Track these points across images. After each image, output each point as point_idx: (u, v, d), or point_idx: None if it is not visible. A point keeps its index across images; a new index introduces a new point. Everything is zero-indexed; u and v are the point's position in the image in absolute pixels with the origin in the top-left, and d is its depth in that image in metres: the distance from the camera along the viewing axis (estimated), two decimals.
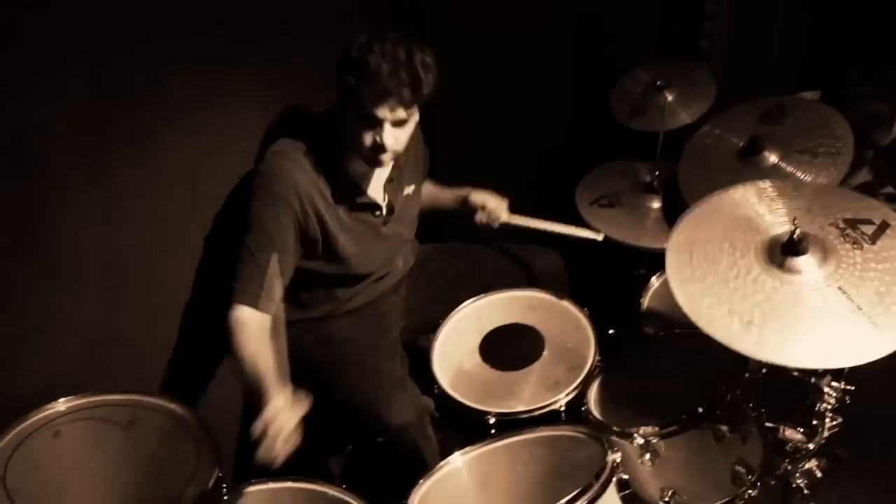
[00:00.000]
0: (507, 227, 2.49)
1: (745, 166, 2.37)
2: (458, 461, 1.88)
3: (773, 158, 2.35)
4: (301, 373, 2.31)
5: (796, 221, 1.77)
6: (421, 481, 1.83)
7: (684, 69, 2.79)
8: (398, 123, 2.06)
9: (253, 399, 2.37)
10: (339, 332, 2.35)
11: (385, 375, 2.24)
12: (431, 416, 2.30)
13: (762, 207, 1.89)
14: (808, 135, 2.34)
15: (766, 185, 1.96)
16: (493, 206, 2.48)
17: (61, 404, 1.94)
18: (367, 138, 2.06)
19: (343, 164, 2.18)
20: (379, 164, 2.14)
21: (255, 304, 2.05)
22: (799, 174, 2.29)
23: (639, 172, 2.85)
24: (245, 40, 2.23)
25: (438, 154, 2.73)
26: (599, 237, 2.52)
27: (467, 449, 1.90)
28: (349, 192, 2.20)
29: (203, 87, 2.15)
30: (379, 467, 2.26)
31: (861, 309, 1.67)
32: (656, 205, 2.74)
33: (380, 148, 2.07)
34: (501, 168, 2.54)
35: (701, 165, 2.45)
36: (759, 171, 2.32)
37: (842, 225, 1.83)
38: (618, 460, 1.70)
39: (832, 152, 2.27)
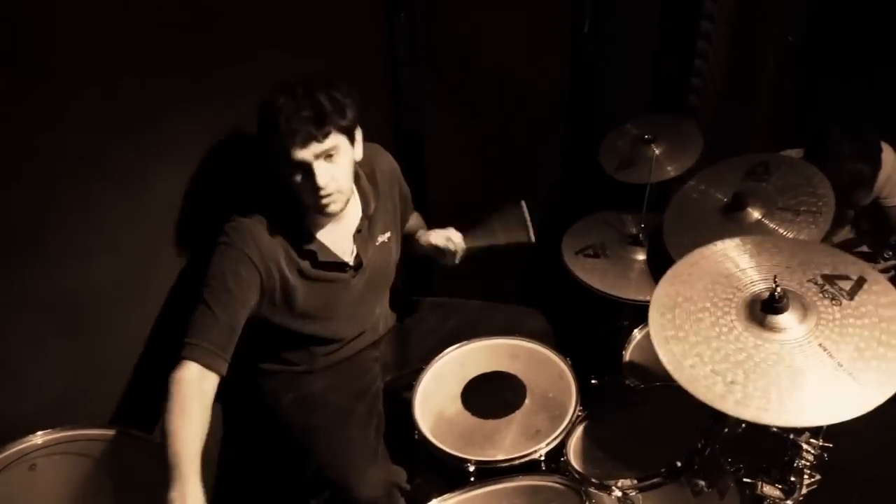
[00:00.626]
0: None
1: (729, 222, 2.40)
2: None
3: (756, 215, 2.38)
4: (275, 433, 2.35)
5: (777, 279, 1.79)
6: None
7: (672, 124, 2.84)
8: (325, 158, 2.04)
9: (230, 429, 2.40)
10: (316, 394, 2.32)
11: (357, 447, 2.23)
12: (402, 489, 2.30)
13: (743, 263, 1.91)
14: (791, 192, 2.37)
15: (745, 241, 1.97)
16: (456, 241, 2.48)
17: (38, 437, 1.91)
18: (304, 185, 2.05)
19: (304, 222, 2.17)
20: (329, 209, 2.10)
21: (205, 362, 1.98)
22: (781, 231, 2.32)
23: (625, 224, 2.88)
24: (243, 76, 2.24)
25: (427, 196, 2.76)
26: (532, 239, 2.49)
27: (445, 496, 1.89)
28: (311, 252, 2.18)
29: (199, 123, 2.17)
30: None
31: (842, 366, 1.67)
32: (641, 257, 2.77)
33: (318, 189, 2.04)
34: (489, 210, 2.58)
35: (685, 219, 2.48)
36: (743, 228, 2.36)
37: (820, 281, 1.83)
38: None
39: (814, 210, 2.30)
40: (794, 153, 2.78)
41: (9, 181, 1.78)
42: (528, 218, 2.47)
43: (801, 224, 2.31)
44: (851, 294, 1.81)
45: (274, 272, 2.12)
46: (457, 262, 2.49)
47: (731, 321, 1.80)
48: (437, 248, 2.49)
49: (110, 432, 2.00)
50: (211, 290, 2.04)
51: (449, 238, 2.48)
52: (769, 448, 2.05)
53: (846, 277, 1.83)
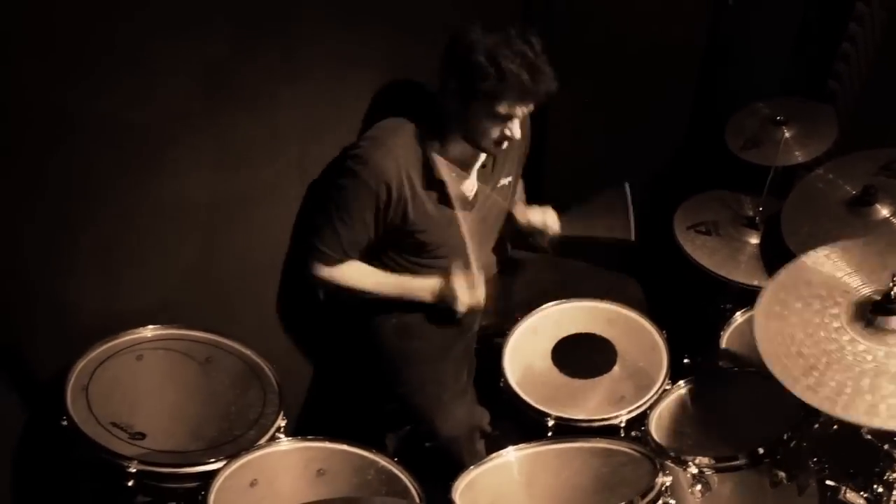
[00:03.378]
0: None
1: (853, 216, 2.31)
2: (511, 455, 1.90)
3: (884, 212, 2.29)
4: (372, 355, 2.42)
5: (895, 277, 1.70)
6: (472, 468, 1.86)
7: (807, 108, 2.72)
8: (525, 115, 2.12)
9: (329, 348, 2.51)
10: (418, 325, 2.36)
11: (448, 382, 2.30)
12: (484, 432, 2.34)
13: (862, 264, 1.83)
14: None
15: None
16: (550, 224, 2.46)
17: (148, 331, 2.07)
18: (496, 132, 2.10)
19: (443, 147, 2.19)
20: (498, 151, 2.19)
21: (333, 265, 2.19)
22: None
23: (743, 205, 2.79)
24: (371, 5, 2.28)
25: (544, 159, 2.74)
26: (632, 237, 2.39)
27: (522, 446, 1.92)
28: (440, 182, 2.21)
29: (327, 49, 2.21)
30: (428, 458, 2.29)
31: None
32: (754, 241, 2.69)
33: (508, 139, 2.12)
34: (607, 176, 2.53)
35: (807, 208, 2.40)
36: (867, 225, 2.27)
37: None
38: (667, 483, 1.70)
39: None
40: None
41: (143, 101, 1.89)
42: (631, 211, 2.39)
43: None
44: None
45: (394, 204, 2.16)
46: (546, 245, 2.48)
47: (837, 314, 1.74)
48: (530, 226, 2.48)
49: (212, 336, 2.12)
50: (338, 208, 2.16)
51: (545, 220, 2.46)
52: (861, 455, 1.98)
53: None
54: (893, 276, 1.70)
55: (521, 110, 2.07)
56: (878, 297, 1.72)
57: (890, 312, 1.70)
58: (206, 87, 2.00)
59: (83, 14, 1.71)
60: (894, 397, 1.58)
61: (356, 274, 2.25)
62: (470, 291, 2.24)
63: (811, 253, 1.89)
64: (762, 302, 1.81)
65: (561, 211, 2.46)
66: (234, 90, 2.07)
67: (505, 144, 2.14)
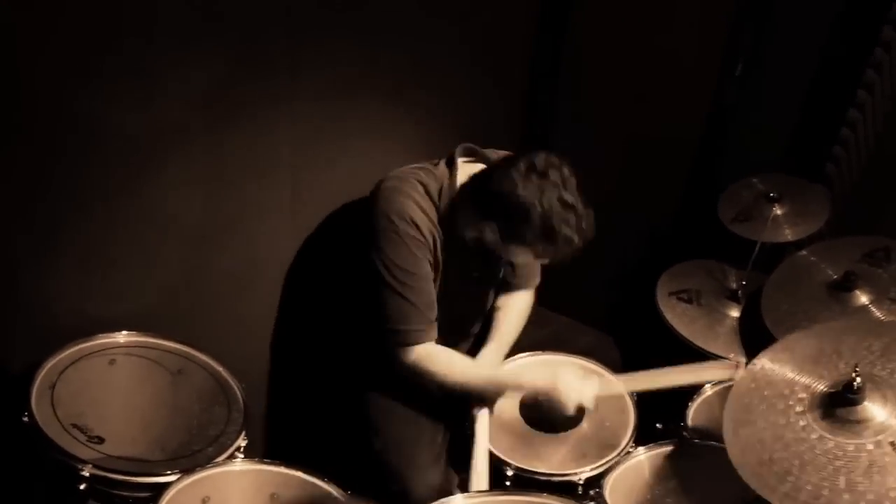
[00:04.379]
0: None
1: (832, 300, 2.33)
2: (459, 502, 1.87)
3: (863, 299, 2.30)
4: (357, 404, 2.39)
5: (858, 368, 1.70)
6: None
7: (802, 187, 2.74)
8: None
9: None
10: (405, 383, 2.31)
11: (425, 447, 2.29)
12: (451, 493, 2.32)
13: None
14: None
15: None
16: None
17: (122, 336, 2.08)
18: (493, 263, 2.20)
19: (446, 217, 2.18)
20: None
21: (425, 339, 2.15)
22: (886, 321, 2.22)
23: (727, 277, 2.81)
24: (381, 44, 2.34)
25: None
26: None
27: (468, 494, 1.91)
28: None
29: (330, 74, 2.27)
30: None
31: None
32: (735, 313, 2.70)
33: (505, 278, 2.25)
34: (602, 231, 2.55)
35: (788, 287, 2.42)
36: (845, 309, 2.29)
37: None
38: None
39: None
40: None
41: (141, 110, 1.93)
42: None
43: None
44: None
45: (431, 251, 2.17)
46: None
47: (802, 412, 1.72)
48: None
49: (185, 349, 2.14)
50: (395, 277, 2.11)
51: None
52: None
53: None
54: (856, 367, 1.71)
55: (531, 260, 2.16)
56: (836, 390, 1.71)
57: (851, 403, 1.68)
58: (205, 102, 2.05)
59: (89, 20, 1.77)
60: (871, 493, 1.55)
61: (445, 359, 2.18)
62: (580, 388, 2.11)
63: (761, 357, 1.90)
64: (728, 410, 1.82)
65: None
66: (233, 108, 2.12)
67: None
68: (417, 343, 2.14)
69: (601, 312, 2.66)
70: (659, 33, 2.87)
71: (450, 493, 2.27)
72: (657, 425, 2.38)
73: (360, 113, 2.38)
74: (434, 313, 2.17)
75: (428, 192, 2.16)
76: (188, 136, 2.06)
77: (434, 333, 2.17)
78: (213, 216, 2.20)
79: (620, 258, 2.58)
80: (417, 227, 2.11)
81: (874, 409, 1.67)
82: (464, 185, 2.15)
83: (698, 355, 2.56)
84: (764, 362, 1.88)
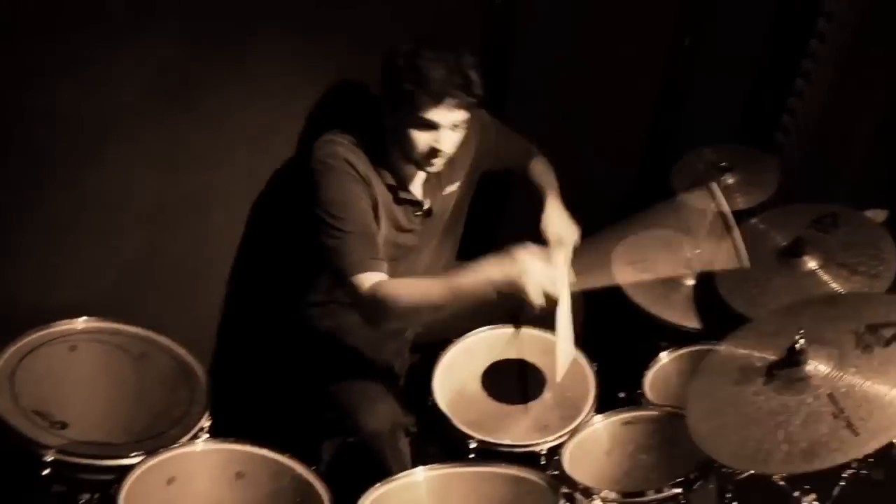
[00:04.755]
0: None
1: (783, 266, 2.38)
2: (420, 475, 1.92)
3: (811, 264, 2.35)
4: (308, 356, 2.46)
5: (802, 331, 1.78)
6: (379, 484, 1.89)
7: (753, 157, 2.80)
8: (453, 127, 2.13)
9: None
10: (352, 326, 2.36)
11: (374, 381, 2.31)
12: (409, 431, 2.36)
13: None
14: (854, 250, 2.34)
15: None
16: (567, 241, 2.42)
17: (80, 323, 2.08)
18: (423, 143, 2.12)
19: (388, 160, 2.23)
20: (431, 168, 2.19)
21: (372, 268, 2.08)
22: (834, 286, 2.29)
23: (682, 246, 2.81)
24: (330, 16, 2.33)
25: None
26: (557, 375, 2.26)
27: (432, 466, 1.95)
28: (393, 187, 2.25)
29: (282, 58, 2.28)
30: (354, 460, 2.32)
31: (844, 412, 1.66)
32: (690, 282, 2.73)
33: (436, 152, 2.13)
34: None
35: None
36: (795, 275, 2.34)
37: (862, 330, 1.81)
38: None
39: (872, 273, 2.26)
40: (875, 214, 2.70)
41: (93, 96, 1.94)
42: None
43: (856, 284, 2.27)
44: (889, 342, 1.76)
45: (369, 193, 2.18)
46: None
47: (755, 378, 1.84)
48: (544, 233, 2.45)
49: (146, 333, 2.15)
50: (333, 215, 2.10)
51: (559, 240, 2.41)
52: (769, 499, 2.05)
53: (892, 324, 1.80)
54: (800, 330, 1.78)
55: (444, 116, 2.08)
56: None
57: (795, 364, 1.78)
58: (158, 87, 2.06)
59: (40, 10, 1.77)
60: (805, 441, 1.65)
61: (403, 283, 2.13)
62: (546, 272, 1.97)
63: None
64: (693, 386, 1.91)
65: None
66: (187, 93, 2.13)
67: (437, 161, 2.15)
68: (365, 271, 2.07)
69: None
70: (609, 10, 2.88)
71: (406, 430, 2.34)
72: (619, 394, 2.44)
73: (315, 94, 2.39)
74: (378, 248, 2.14)
75: (356, 138, 2.18)
76: (143, 122, 2.07)
77: (382, 266, 2.11)
78: (169, 200, 2.21)
79: (581, 231, 2.60)
80: (350, 164, 2.14)
81: (818, 368, 1.76)
82: None
83: (659, 323, 2.64)
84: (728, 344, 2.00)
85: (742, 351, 1.96)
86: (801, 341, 1.77)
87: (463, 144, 2.34)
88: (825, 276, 2.32)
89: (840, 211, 2.45)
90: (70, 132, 1.95)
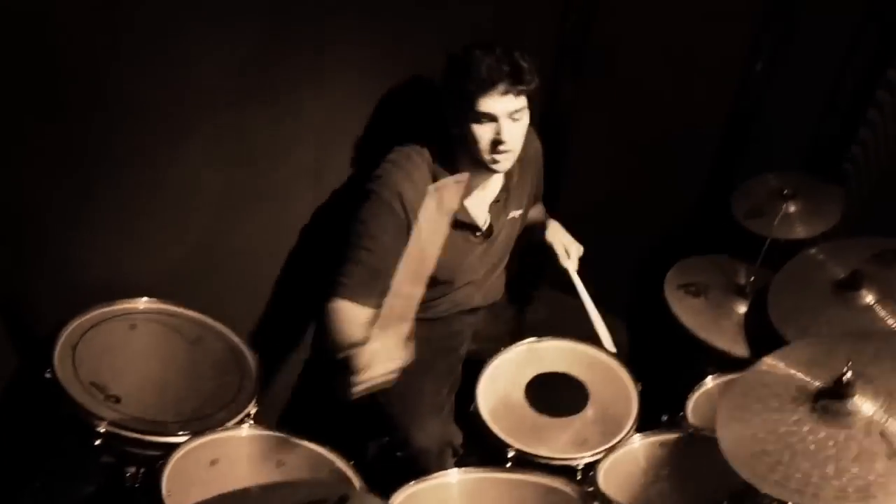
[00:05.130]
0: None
1: (837, 299, 2.34)
2: (454, 477, 1.96)
3: (868, 299, 2.31)
4: None
5: (850, 363, 1.74)
6: (413, 482, 1.92)
7: (818, 186, 2.76)
8: (512, 116, 2.15)
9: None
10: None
11: (427, 398, 2.35)
12: (456, 451, 2.39)
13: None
14: None
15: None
16: (572, 257, 2.52)
17: (142, 303, 2.17)
18: (485, 136, 2.16)
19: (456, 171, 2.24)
20: (499, 165, 2.22)
21: (353, 298, 2.17)
22: (890, 322, 2.24)
23: (737, 273, 2.82)
24: (405, 23, 2.39)
25: (558, 199, 2.81)
26: (612, 349, 2.43)
27: (465, 469, 1.99)
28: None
29: (357, 59, 2.34)
30: (400, 469, 2.34)
31: None
32: (742, 309, 2.72)
33: (499, 143, 2.16)
34: (619, 219, 2.56)
35: (795, 284, 2.44)
36: (850, 309, 2.30)
37: None
38: None
39: None
40: None
41: (174, 85, 2.01)
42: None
43: None
44: None
45: (410, 213, 2.21)
46: (561, 269, 2.53)
47: (794, 409, 1.78)
48: (551, 248, 2.55)
49: (203, 318, 2.23)
50: (359, 236, 2.20)
51: (567, 253, 2.53)
52: None
53: None
54: (848, 362, 1.74)
55: (499, 104, 2.12)
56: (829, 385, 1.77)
57: (842, 396, 1.73)
58: (232, 78, 2.13)
59: None
60: (861, 479, 1.61)
61: (350, 323, 2.15)
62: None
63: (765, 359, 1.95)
64: (722, 407, 1.86)
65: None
66: (262, 88, 2.19)
67: (502, 157, 2.18)
68: (347, 299, 2.16)
69: (614, 299, 2.68)
70: (684, 30, 2.88)
71: (452, 447, 2.38)
72: (662, 417, 2.43)
73: (384, 93, 2.44)
74: (378, 283, 2.14)
75: (423, 160, 2.23)
76: (216, 111, 2.14)
77: (370, 302, 2.15)
78: (236, 190, 2.28)
79: (636, 249, 2.60)
80: (401, 199, 2.18)
81: (864, 404, 1.72)
82: None
83: (706, 348, 2.62)
84: (763, 363, 1.93)
85: (782, 373, 1.90)
86: (849, 374, 1.72)
87: (527, 168, 2.43)
88: (882, 312, 2.27)
89: None
90: (148, 118, 2.02)
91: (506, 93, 2.12)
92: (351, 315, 2.15)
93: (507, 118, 2.15)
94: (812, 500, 1.63)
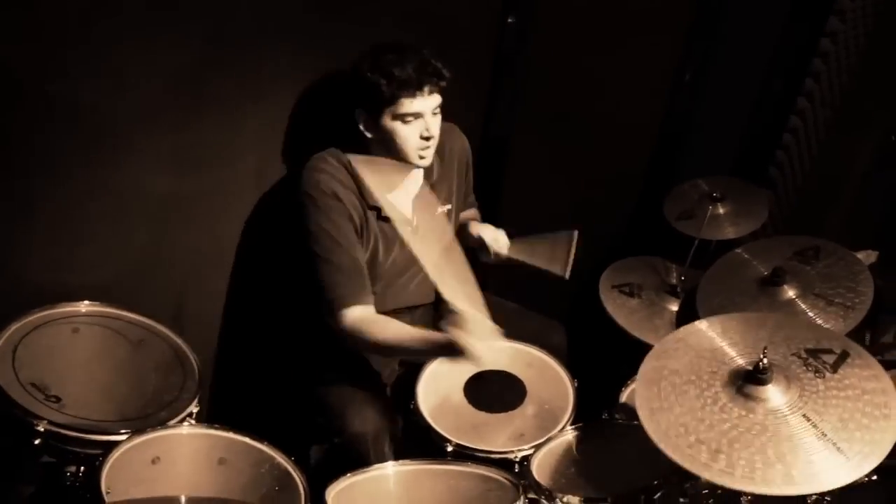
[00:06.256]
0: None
1: (762, 295, 2.45)
2: (389, 469, 2.01)
3: (790, 293, 2.42)
4: (300, 358, 2.55)
5: (765, 350, 1.84)
6: (349, 475, 1.96)
7: (746, 189, 2.88)
8: (433, 112, 2.26)
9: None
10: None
11: (363, 386, 2.40)
12: (394, 437, 2.43)
13: (727, 339, 1.99)
14: (833, 282, 2.40)
15: (732, 319, 2.05)
16: (500, 243, 2.58)
17: (84, 306, 2.18)
18: (413, 134, 2.24)
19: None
20: (424, 160, 2.31)
21: (357, 301, 2.23)
22: (810, 315, 2.34)
23: (669, 273, 2.94)
24: (345, 35, 2.43)
25: (500, 201, 2.87)
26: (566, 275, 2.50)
27: (402, 461, 2.03)
28: (375, 207, 2.33)
29: (293, 70, 2.39)
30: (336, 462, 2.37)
31: (826, 436, 1.73)
32: (673, 307, 2.83)
33: (426, 139, 2.25)
34: (556, 221, 2.65)
35: (722, 282, 2.54)
36: (773, 303, 2.40)
37: (804, 355, 1.89)
38: None
39: (847, 305, 2.32)
40: (866, 256, 2.74)
41: (113, 92, 2.04)
42: (572, 253, 2.50)
43: (831, 314, 2.33)
44: (835, 367, 1.86)
45: (355, 215, 2.28)
46: (491, 260, 2.60)
47: (716, 393, 1.88)
48: (480, 240, 2.60)
49: (146, 320, 2.24)
50: (320, 246, 2.24)
51: (496, 238, 2.59)
52: None
53: (830, 351, 1.89)
54: (764, 349, 1.84)
55: (424, 103, 2.21)
56: (748, 369, 1.87)
57: (762, 382, 1.83)
58: (174, 88, 2.17)
59: (64, 6, 1.88)
60: (805, 463, 1.70)
61: (380, 323, 2.27)
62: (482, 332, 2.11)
63: (660, 344, 2.08)
64: (640, 404, 1.92)
65: (510, 235, 2.60)
66: (202, 95, 2.24)
67: (428, 147, 2.28)
68: (348, 306, 2.23)
69: (549, 302, 2.75)
70: (617, 43, 2.99)
71: (390, 434, 2.39)
72: (603, 415, 2.50)
73: (325, 100, 2.49)
74: (364, 279, 2.27)
75: (341, 162, 2.29)
76: (156, 118, 2.17)
77: (367, 298, 2.26)
78: (178, 195, 2.31)
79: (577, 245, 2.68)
80: (336, 196, 2.24)
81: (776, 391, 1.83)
82: None
83: (640, 345, 2.70)
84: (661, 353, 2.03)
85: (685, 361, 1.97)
86: (765, 360, 1.82)
87: (450, 163, 2.50)
88: (802, 305, 2.38)
89: (823, 244, 2.51)
90: (87, 124, 2.05)
91: (431, 92, 2.21)
92: (372, 317, 2.24)
93: (430, 114, 2.24)
94: (764, 487, 1.69)
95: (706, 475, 1.74)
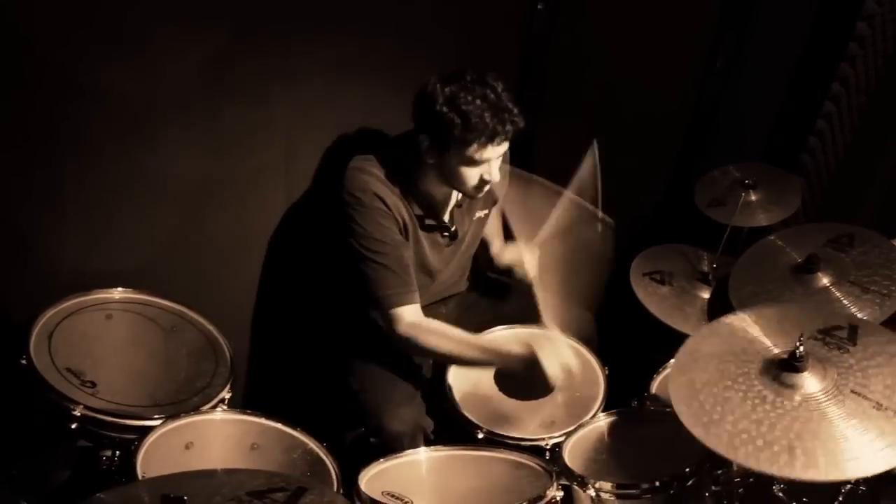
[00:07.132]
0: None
1: (796, 282, 2.41)
2: (422, 455, 2.01)
3: (824, 281, 2.38)
4: (337, 349, 2.55)
5: (801, 337, 1.80)
6: (382, 460, 1.97)
7: (777, 176, 2.85)
8: (500, 157, 2.22)
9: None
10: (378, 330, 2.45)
11: (400, 385, 2.40)
12: (428, 437, 2.42)
13: (745, 336, 1.96)
14: (868, 269, 2.36)
15: (745, 314, 2.01)
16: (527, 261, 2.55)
17: (118, 293, 2.21)
18: (474, 177, 2.21)
19: (418, 189, 2.32)
20: (479, 195, 2.31)
21: (407, 301, 2.24)
22: (845, 303, 2.31)
23: (701, 260, 2.91)
24: (376, 21, 2.44)
25: None
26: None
27: (434, 447, 2.04)
28: (420, 216, 2.35)
29: (324, 56, 2.38)
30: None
31: (882, 405, 1.69)
32: (705, 295, 2.80)
33: (485, 183, 2.23)
34: None
35: (755, 270, 2.51)
36: (807, 291, 2.37)
37: (819, 335, 1.88)
38: (557, 497, 1.81)
39: (884, 293, 2.28)
40: None
41: (146, 79, 2.07)
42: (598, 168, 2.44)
43: (867, 302, 2.29)
44: (852, 340, 1.85)
45: (399, 219, 2.28)
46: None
47: (759, 391, 1.81)
48: (506, 267, 2.64)
49: (179, 307, 2.27)
50: (367, 248, 2.24)
51: (522, 258, 2.56)
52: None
53: (839, 327, 1.89)
54: (800, 337, 1.81)
55: (494, 151, 2.16)
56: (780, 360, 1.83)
57: (800, 370, 1.79)
58: (205, 75, 2.19)
59: None
60: (840, 451, 1.64)
61: (437, 333, 2.27)
62: (559, 355, 2.21)
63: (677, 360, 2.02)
64: (690, 423, 1.82)
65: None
66: (232, 82, 2.25)
67: (486, 188, 2.26)
68: (399, 305, 2.23)
69: (582, 291, 2.74)
70: (647, 30, 2.96)
71: (424, 434, 2.40)
72: (633, 402, 2.49)
73: (354, 87, 2.49)
74: (412, 278, 2.27)
75: (388, 165, 2.27)
76: (186, 105, 2.19)
77: (415, 297, 2.26)
78: (209, 182, 2.33)
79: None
80: (380, 198, 2.23)
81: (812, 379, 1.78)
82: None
83: (672, 333, 2.69)
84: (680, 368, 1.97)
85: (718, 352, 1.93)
86: (801, 347, 1.79)
87: None
88: (837, 293, 2.34)
89: (857, 231, 2.47)
90: (120, 110, 2.07)
91: (502, 141, 2.16)
92: (424, 320, 2.26)
93: (495, 160, 2.21)
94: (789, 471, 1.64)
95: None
